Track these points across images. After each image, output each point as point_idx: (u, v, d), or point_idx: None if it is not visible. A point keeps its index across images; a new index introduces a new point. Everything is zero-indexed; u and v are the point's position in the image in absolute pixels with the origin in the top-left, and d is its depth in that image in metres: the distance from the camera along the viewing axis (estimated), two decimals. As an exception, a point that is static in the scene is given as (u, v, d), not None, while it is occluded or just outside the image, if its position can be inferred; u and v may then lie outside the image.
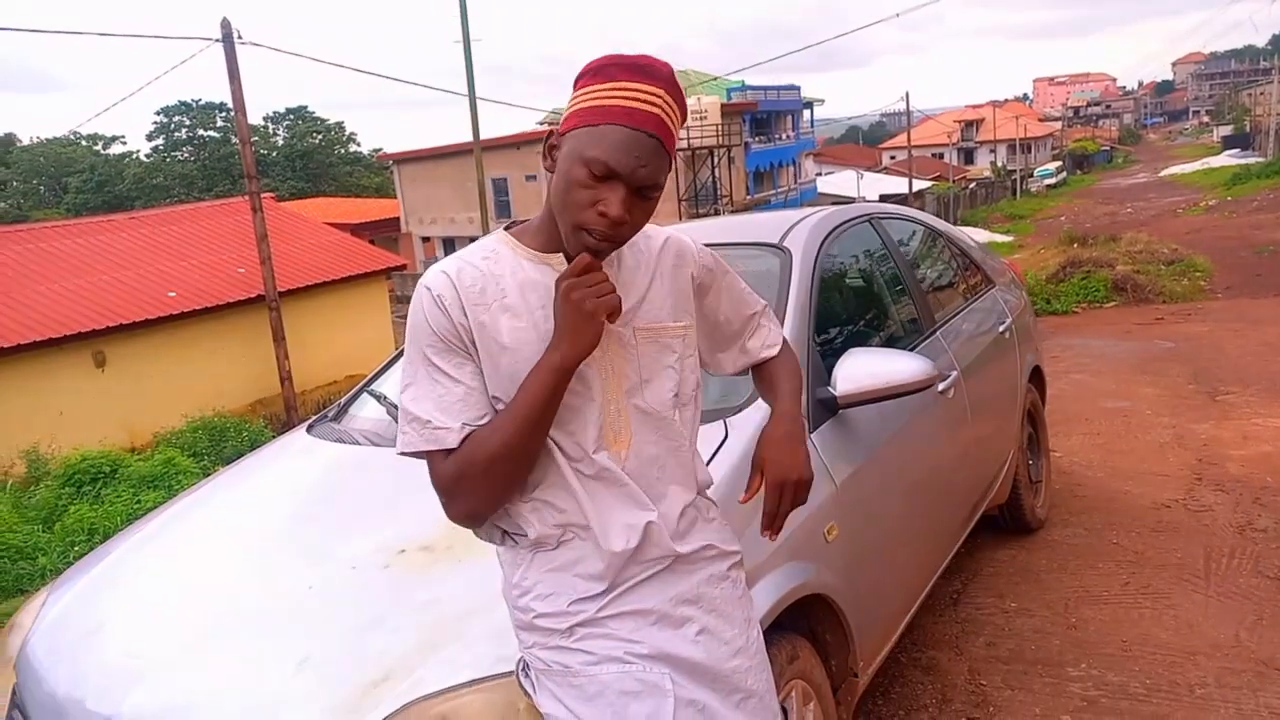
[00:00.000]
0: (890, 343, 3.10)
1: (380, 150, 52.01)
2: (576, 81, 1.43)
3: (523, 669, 1.57)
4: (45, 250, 16.22)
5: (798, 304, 2.64)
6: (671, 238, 1.61)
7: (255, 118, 61.22)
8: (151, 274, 16.41)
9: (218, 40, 14.08)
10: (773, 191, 38.48)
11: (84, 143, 60.56)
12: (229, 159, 55.11)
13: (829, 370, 2.54)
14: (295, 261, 18.07)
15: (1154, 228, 20.50)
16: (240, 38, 14.22)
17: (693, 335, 1.59)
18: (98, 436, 12.92)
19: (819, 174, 48.03)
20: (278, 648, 1.80)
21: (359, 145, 66.45)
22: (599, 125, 1.37)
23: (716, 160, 32.78)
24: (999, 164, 64.42)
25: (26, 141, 64.49)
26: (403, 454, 1.46)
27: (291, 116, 63.27)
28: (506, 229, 1.55)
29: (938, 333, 3.41)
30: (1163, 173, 52.21)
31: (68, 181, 57.90)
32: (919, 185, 44.45)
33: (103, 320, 14.54)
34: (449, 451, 1.43)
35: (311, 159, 60.88)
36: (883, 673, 3.20)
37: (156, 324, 15.20)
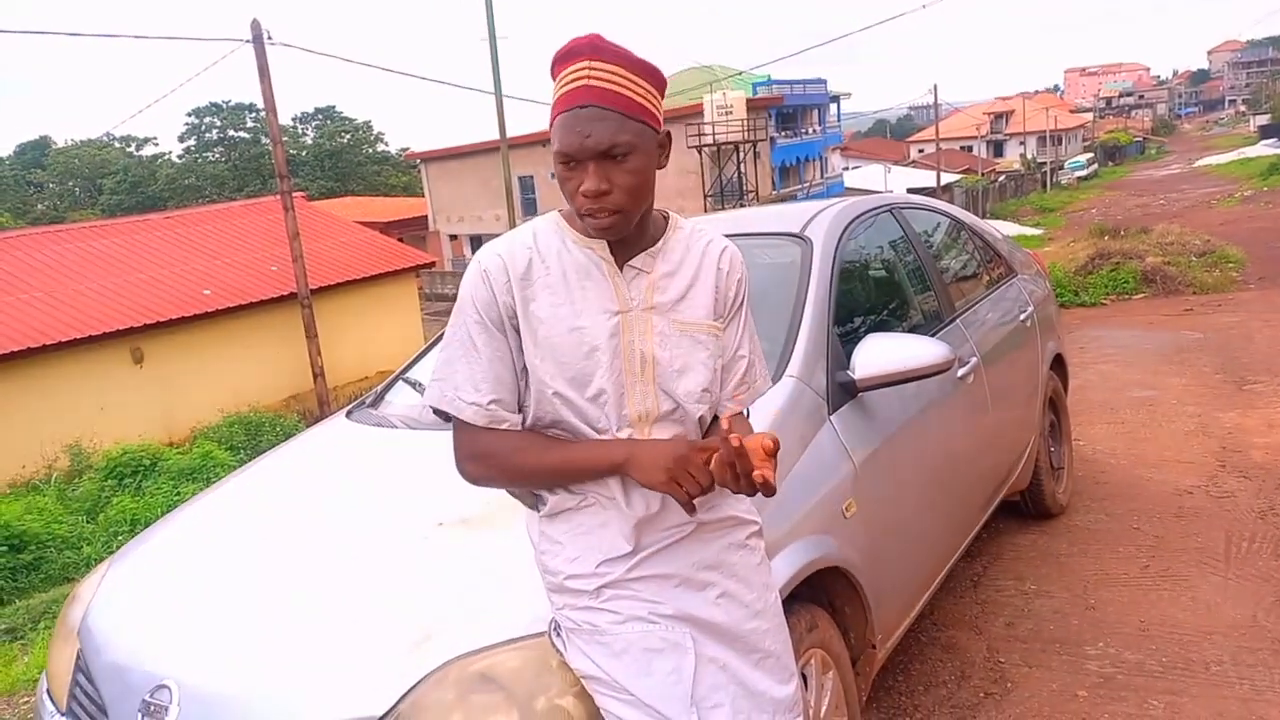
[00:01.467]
0: (911, 330, 3.16)
1: (408, 149, 52.42)
2: None
3: (554, 629, 1.68)
4: (83, 250, 16.58)
5: (818, 291, 2.73)
6: (730, 247, 1.70)
7: (284, 118, 61.64)
8: (186, 272, 16.73)
9: (247, 41, 14.31)
10: (799, 186, 38.36)
11: (117, 144, 61.51)
12: (259, 159, 55.79)
13: (848, 356, 2.63)
14: (326, 259, 18.34)
15: (1187, 219, 20.27)
16: (270, 38, 14.44)
17: (723, 338, 1.67)
18: (137, 431, 13.23)
19: (846, 168, 47.82)
20: (323, 612, 1.92)
21: (387, 144, 67.10)
22: (552, 123, 1.50)
23: (742, 155, 32.76)
24: (1029, 156, 63.84)
25: (62, 144, 65.58)
26: (426, 404, 1.61)
27: (320, 116, 63.96)
28: (560, 212, 1.66)
29: (958, 320, 3.48)
30: (1197, 163, 51.43)
31: (102, 183, 58.86)
32: (947, 178, 44.17)
33: (140, 318, 14.87)
34: (471, 424, 1.57)
35: (340, 158, 61.50)
36: (902, 650, 3.29)
37: (192, 321, 15.52)
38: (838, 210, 3.18)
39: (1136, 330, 9.26)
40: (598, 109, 1.46)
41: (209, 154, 60.79)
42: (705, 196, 32.13)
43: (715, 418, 1.69)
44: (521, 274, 1.56)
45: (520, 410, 1.60)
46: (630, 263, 1.59)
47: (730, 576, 1.64)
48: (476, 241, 35.59)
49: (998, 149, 70.17)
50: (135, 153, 62.53)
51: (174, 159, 61.43)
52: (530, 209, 32.55)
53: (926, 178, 43.37)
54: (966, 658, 3.31)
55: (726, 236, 1.73)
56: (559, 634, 1.66)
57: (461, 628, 1.76)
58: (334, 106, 67.18)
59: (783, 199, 33.78)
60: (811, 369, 2.52)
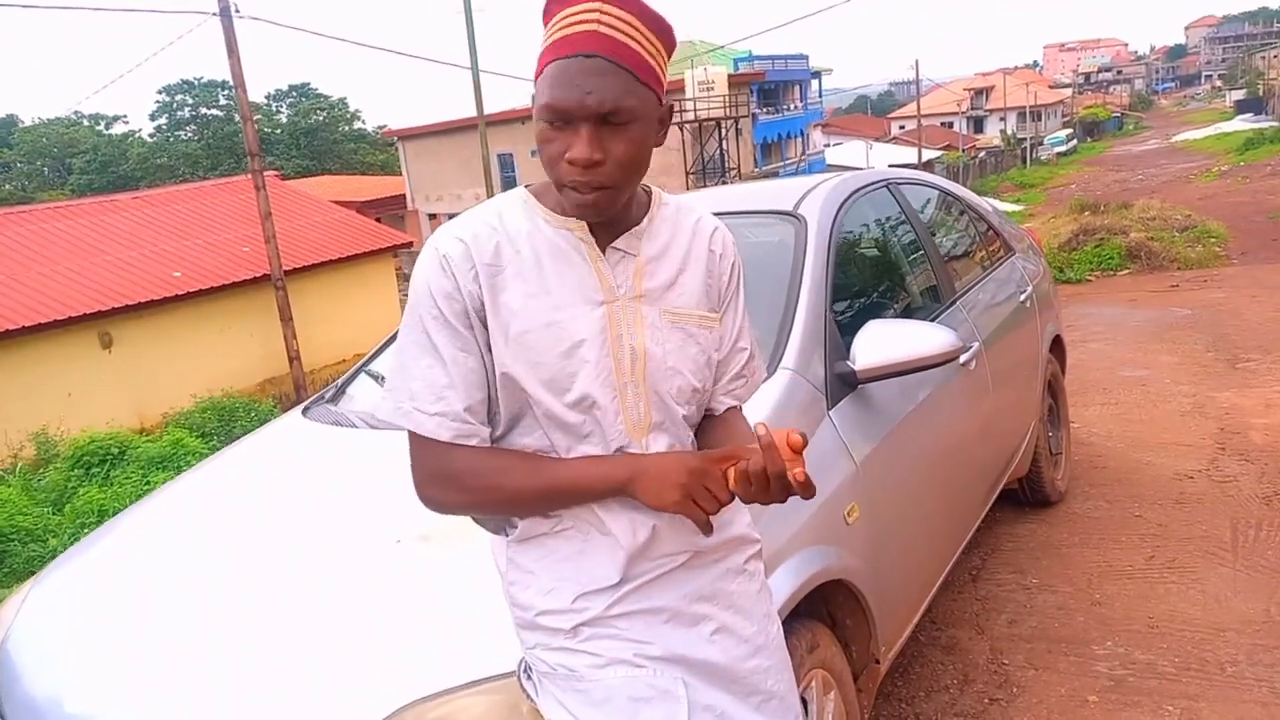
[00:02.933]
0: (910, 313, 2.98)
1: (385, 127, 51.59)
2: None
3: (524, 670, 1.45)
4: (50, 232, 16.15)
5: (814, 274, 2.52)
6: (720, 228, 1.47)
7: (257, 95, 60.83)
8: (156, 254, 16.32)
9: (214, 14, 13.90)
10: (781, 163, 38.08)
11: (86, 123, 60.31)
12: (233, 137, 54.77)
13: (847, 344, 2.42)
14: (301, 240, 17.97)
15: (1166, 194, 20.23)
16: (238, 12, 14.04)
17: (717, 330, 1.45)
18: (106, 418, 12.89)
19: (827, 145, 47.50)
20: (266, 648, 1.70)
21: (363, 122, 66.05)
22: (542, 70, 1.24)
23: (724, 132, 32.43)
24: (1009, 132, 63.85)
25: (29, 122, 64.27)
26: (378, 420, 1.36)
27: (294, 94, 62.90)
28: (528, 187, 1.42)
29: (958, 302, 3.29)
30: (1174, 139, 51.69)
31: (71, 162, 57.73)
32: (928, 155, 44.00)
33: (108, 301, 14.47)
34: (434, 440, 1.32)
35: (315, 136, 60.51)
36: (902, 652, 3.10)
37: (162, 304, 15.13)
38: (832, 186, 2.97)
39: (1124, 307, 9.16)
40: (605, 61, 1.21)
41: (181, 132, 59.62)
42: (687, 174, 31.81)
43: (706, 416, 1.48)
44: (489, 259, 1.30)
45: (490, 422, 1.35)
46: (614, 244, 1.35)
47: (727, 608, 1.42)
48: (455, 220, 35.14)
49: (978, 125, 70.05)
50: (105, 131, 61.30)
51: (145, 138, 60.30)
52: (510, 187, 31.95)
53: (908, 154, 43.21)
54: (969, 659, 3.14)
55: (714, 215, 1.51)
56: (529, 677, 1.43)
57: (419, 667, 1.54)
58: (309, 83, 65.76)
59: (765, 176, 33.51)
60: (808, 360, 2.31)
